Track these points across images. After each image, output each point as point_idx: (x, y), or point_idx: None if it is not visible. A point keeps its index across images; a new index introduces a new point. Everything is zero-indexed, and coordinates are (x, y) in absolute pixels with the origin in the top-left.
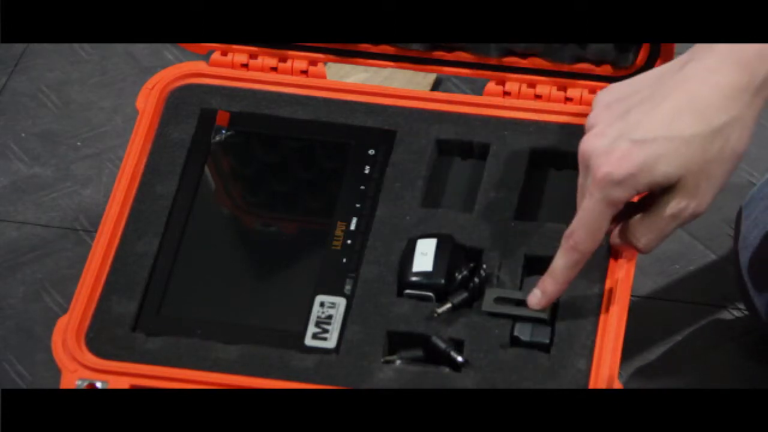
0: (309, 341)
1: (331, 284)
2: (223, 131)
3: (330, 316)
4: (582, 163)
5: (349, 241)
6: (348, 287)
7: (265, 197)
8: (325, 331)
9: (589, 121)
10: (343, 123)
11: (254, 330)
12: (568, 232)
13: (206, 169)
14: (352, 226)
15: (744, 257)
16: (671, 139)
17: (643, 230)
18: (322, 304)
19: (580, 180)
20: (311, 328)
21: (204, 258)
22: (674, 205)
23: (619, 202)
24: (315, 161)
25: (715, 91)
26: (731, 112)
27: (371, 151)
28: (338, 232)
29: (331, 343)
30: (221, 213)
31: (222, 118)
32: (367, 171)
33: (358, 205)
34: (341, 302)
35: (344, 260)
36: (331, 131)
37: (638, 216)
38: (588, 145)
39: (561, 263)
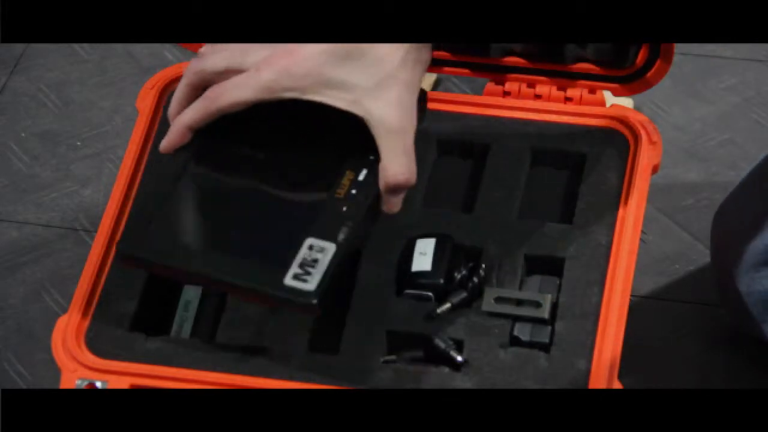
0: (288, 280)
1: (326, 229)
2: None
3: (316, 260)
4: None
5: (353, 191)
6: (342, 235)
7: (274, 140)
8: (307, 273)
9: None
10: None
11: (238, 263)
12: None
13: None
14: (361, 177)
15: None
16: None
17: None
18: (311, 247)
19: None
20: (293, 269)
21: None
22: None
23: (205, 75)
24: (330, 111)
25: None
26: None
27: None
28: (345, 180)
29: (310, 285)
30: (226, 157)
31: None
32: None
33: (371, 157)
34: (330, 248)
35: (344, 208)
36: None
37: None
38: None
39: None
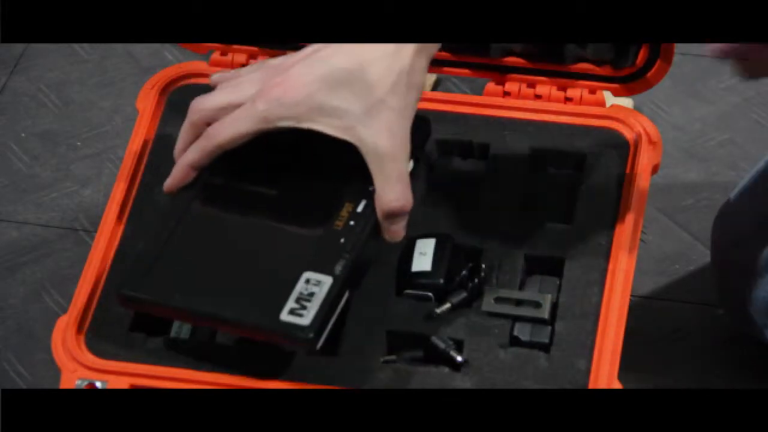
0: (284, 316)
1: (323, 262)
2: None
3: (312, 294)
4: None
5: (351, 223)
6: (339, 268)
7: (275, 174)
8: (303, 308)
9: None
10: None
11: (237, 300)
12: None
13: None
14: (359, 208)
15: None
16: None
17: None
18: (307, 281)
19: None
20: (290, 303)
21: (201, 230)
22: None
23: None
24: (331, 141)
25: None
26: None
27: None
28: (344, 212)
29: (305, 320)
30: (226, 190)
31: None
32: None
33: (370, 188)
34: (327, 281)
35: (342, 240)
36: None
37: None
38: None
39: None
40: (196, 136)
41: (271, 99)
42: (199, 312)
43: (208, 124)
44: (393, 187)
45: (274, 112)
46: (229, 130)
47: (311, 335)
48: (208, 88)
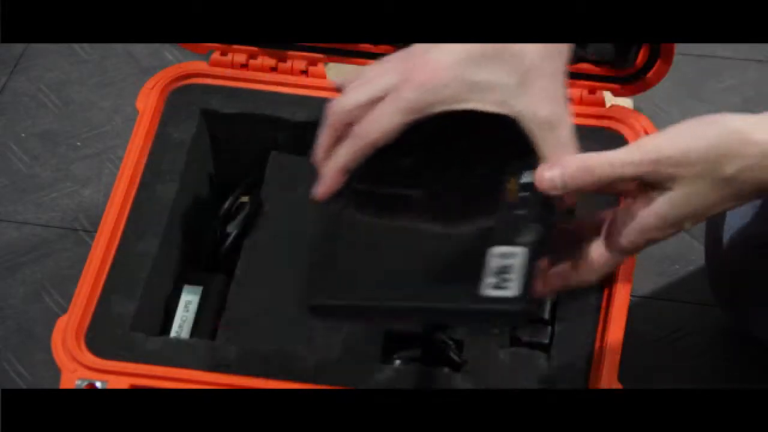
0: (488, 291)
1: (509, 236)
2: None
3: (508, 266)
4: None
5: (523, 194)
6: (528, 237)
7: (428, 162)
8: (505, 281)
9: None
10: None
11: (432, 290)
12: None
13: None
14: (525, 179)
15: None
16: None
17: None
18: (499, 255)
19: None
20: (489, 279)
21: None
22: None
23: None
24: (466, 121)
25: None
26: None
27: None
28: (511, 186)
29: (512, 291)
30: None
31: None
32: None
33: (530, 159)
34: (520, 252)
35: (520, 212)
36: None
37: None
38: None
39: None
40: (338, 139)
41: (417, 86)
42: (400, 308)
43: (350, 125)
44: (558, 154)
45: (423, 99)
46: (378, 125)
47: (523, 305)
48: (208, 88)
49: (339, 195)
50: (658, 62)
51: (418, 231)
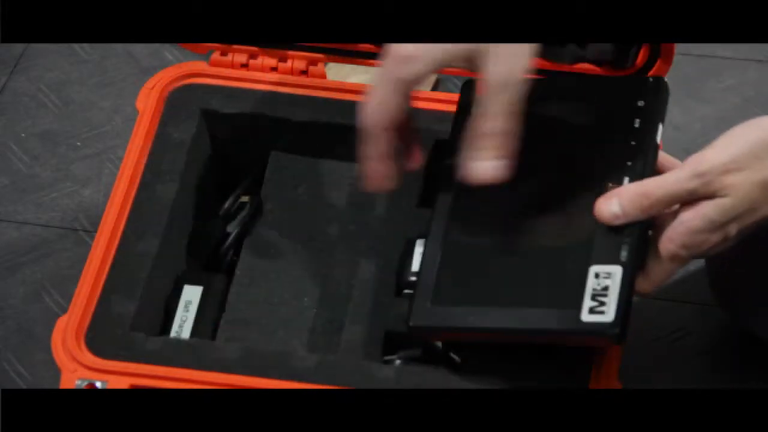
0: (585, 316)
1: (607, 253)
2: None
3: (606, 287)
4: None
5: None
6: (624, 254)
7: (529, 170)
8: (602, 303)
9: None
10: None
11: (529, 310)
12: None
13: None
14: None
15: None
16: None
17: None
18: (596, 275)
19: None
20: (587, 302)
21: (471, 246)
22: None
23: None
24: (577, 123)
25: None
26: None
27: (640, 102)
28: None
29: (608, 316)
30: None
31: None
32: (637, 125)
33: (629, 163)
34: (617, 271)
35: (618, 228)
36: (584, 85)
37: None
38: None
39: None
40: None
41: (398, 59)
42: (497, 329)
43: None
44: (502, 113)
45: (404, 69)
46: (371, 106)
47: (617, 330)
48: (208, 88)
49: (439, 209)
50: (658, 62)
51: (516, 246)
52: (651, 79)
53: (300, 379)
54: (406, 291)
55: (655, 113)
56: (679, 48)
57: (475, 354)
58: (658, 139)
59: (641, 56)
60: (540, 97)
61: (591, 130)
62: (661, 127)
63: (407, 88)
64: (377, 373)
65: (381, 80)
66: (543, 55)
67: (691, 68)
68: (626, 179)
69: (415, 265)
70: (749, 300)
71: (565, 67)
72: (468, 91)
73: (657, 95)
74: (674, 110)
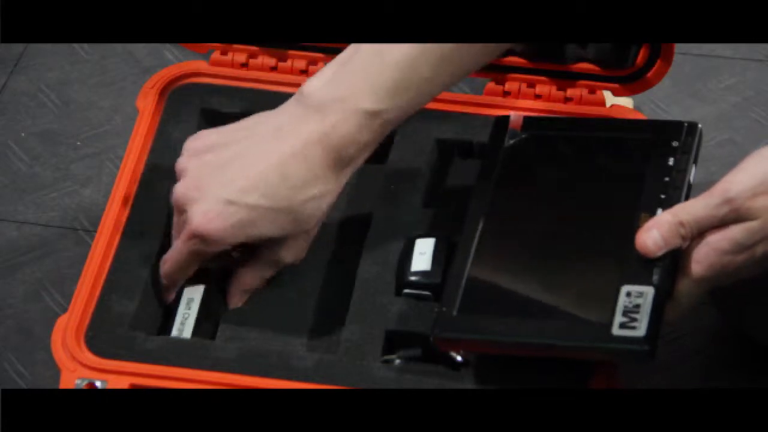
0: (616, 331)
1: (639, 275)
2: (518, 134)
3: (638, 306)
4: (177, 207)
5: None
6: (656, 277)
7: (562, 195)
8: (633, 320)
9: (178, 165)
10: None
11: (559, 324)
12: (164, 258)
13: (500, 172)
14: (658, 215)
15: None
16: (266, 208)
17: (252, 276)
18: (628, 294)
19: (175, 218)
20: (618, 318)
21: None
22: (273, 255)
23: (207, 255)
24: (612, 157)
25: (304, 168)
26: (318, 188)
27: (674, 143)
28: (642, 222)
29: (639, 332)
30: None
31: (515, 122)
32: (671, 163)
33: (662, 196)
34: (649, 291)
35: None
36: (629, 127)
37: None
38: (182, 194)
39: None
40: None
41: (195, 239)
42: (527, 343)
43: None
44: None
45: (201, 249)
46: (177, 269)
47: (647, 347)
48: (208, 88)
49: (473, 219)
50: (658, 62)
51: (550, 261)
52: (686, 123)
53: (300, 379)
54: (406, 291)
55: (689, 153)
56: (679, 48)
57: (475, 354)
58: (692, 178)
59: (641, 56)
60: (584, 135)
61: (630, 165)
62: (694, 167)
63: (203, 258)
64: (377, 373)
65: (179, 250)
66: (544, 55)
67: (691, 68)
68: (659, 210)
69: (415, 265)
70: (745, 302)
71: (565, 67)
72: (500, 124)
73: (691, 137)
74: (674, 110)
